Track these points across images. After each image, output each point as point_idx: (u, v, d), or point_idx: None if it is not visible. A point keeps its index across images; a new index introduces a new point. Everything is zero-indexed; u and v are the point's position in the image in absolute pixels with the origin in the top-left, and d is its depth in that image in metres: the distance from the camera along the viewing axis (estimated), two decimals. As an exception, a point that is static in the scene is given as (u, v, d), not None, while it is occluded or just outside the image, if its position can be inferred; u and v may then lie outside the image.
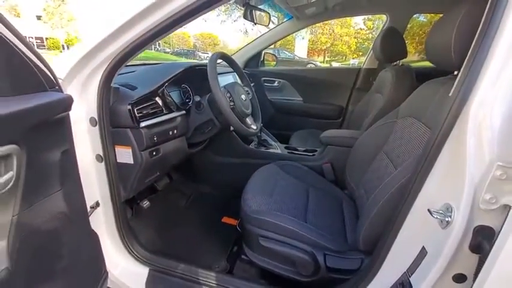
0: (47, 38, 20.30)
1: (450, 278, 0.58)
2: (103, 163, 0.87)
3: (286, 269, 0.96)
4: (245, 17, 1.42)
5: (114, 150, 0.88)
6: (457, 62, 0.64)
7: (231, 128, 1.42)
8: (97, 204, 0.90)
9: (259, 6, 1.53)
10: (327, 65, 19.37)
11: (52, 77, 0.59)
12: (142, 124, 0.94)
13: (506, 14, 0.51)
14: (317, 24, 2.01)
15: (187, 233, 1.31)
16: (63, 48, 19.91)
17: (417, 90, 0.99)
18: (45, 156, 0.55)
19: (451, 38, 0.69)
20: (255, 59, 2.28)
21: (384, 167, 0.98)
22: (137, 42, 0.74)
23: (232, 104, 1.16)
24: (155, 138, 1.00)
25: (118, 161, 0.91)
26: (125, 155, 0.93)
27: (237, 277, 0.99)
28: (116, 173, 0.89)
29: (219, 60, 1.22)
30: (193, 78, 1.27)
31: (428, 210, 0.58)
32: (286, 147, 1.66)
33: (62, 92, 0.62)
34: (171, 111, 1.09)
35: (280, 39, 2.18)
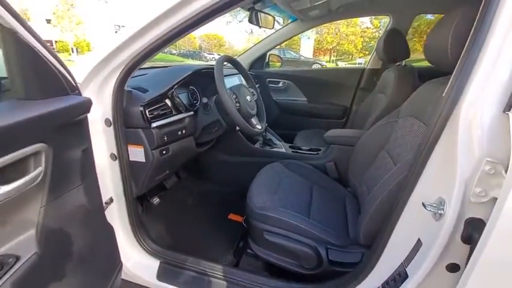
0: (56, 41, 20.72)
1: (444, 268, 0.62)
2: (117, 161, 0.92)
3: (289, 262, 1.00)
4: (250, 20, 1.47)
5: (127, 149, 0.94)
6: (454, 62, 0.66)
7: (237, 128, 1.47)
8: (111, 200, 0.95)
9: (264, 10, 1.57)
10: (333, 65, 19.27)
11: (72, 82, 0.65)
12: (154, 124, 0.99)
13: (496, 17, 0.54)
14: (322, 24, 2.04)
15: (195, 229, 1.36)
16: (72, 51, 20.32)
17: (418, 90, 1.02)
18: (68, 154, 0.61)
19: (448, 39, 0.72)
20: (260, 61, 2.32)
21: (384, 164, 1.01)
22: (149, 49, 0.79)
23: (238, 104, 1.21)
24: (165, 138, 1.05)
25: (131, 159, 0.96)
26: (137, 153, 0.98)
27: (243, 270, 1.03)
28: (128, 170, 0.95)
29: (225, 63, 1.27)
30: (201, 81, 1.32)
31: (423, 203, 0.61)
32: (290, 147, 1.69)
33: (81, 95, 0.67)
34: (180, 112, 1.14)
35: (284, 41, 2.22)
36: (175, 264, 1.02)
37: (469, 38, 0.58)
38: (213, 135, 1.34)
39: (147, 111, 0.98)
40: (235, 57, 2.31)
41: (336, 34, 23.98)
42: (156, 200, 1.40)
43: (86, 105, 0.64)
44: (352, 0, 1.70)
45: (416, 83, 1.44)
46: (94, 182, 0.74)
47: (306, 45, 22.88)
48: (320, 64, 14.93)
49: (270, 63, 2.51)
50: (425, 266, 0.61)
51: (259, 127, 1.33)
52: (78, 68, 0.82)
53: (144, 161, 1.00)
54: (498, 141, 0.52)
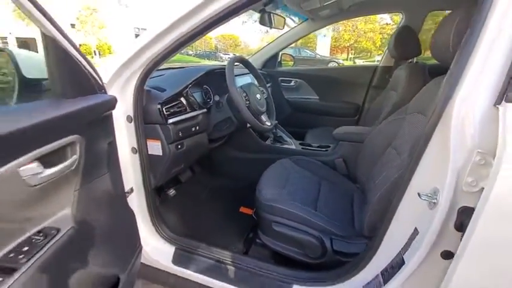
0: (80, 45, 21.77)
1: (439, 255, 0.65)
2: (137, 155, 1.01)
3: (296, 251, 1.05)
4: (261, 22, 1.52)
5: (146, 143, 1.02)
6: None
7: (248, 125, 1.53)
8: (131, 190, 1.04)
9: (275, 11, 1.61)
10: (350, 63, 18.87)
11: (100, 82, 0.73)
12: (170, 121, 1.08)
13: (489, 17, 0.56)
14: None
15: (208, 219, 1.44)
16: (95, 54, 21.24)
17: (425, 87, 1.04)
18: (97, 145, 0.70)
19: (450, 37, 0.74)
20: (273, 60, 2.36)
21: (391, 160, 1.03)
22: (165, 52, 0.86)
23: (247, 102, 1.27)
24: (180, 134, 1.13)
25: (149, 153, 1.05)
26: (155, 147, 1.07)
27: (252, 257, 1.09)
28: (147, 163, 1.03)
29: (237, 63, 1.33)
30: (214, 80, 1.39)
31: (418, 193, 0.64)
32: (300, 144, 1.74)
33: (106, 94, 0.76)
34: (194, 110, 1.22)
35: (296, 40, 2.25)
36: (189, 250, 1.10)
37: (465, 36, 0.61)
38: (224, 131, 1.41)
39: (164, 109, 1.06)
40: (248, 56, 2.38)
41: (354, 31, 23.43)
42: (172, 192, 1.49)
43: (112, 102, 0.73)
44: (364, -1, 1.71)
45: (427, 80, 1.43)
46: (118, 172, 0.83)
47: (323, 43, 22.53)
48: (337, 62, 14.68)
49: (283, 62, 2.56)
50: (420, 253, 0.65)
51: (269, 124, 1.39)
52: (103, 70, 0.92)
53: (161, 154, 1.08)
54: (488, 134, 0.55)
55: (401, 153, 0.98)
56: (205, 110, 1.29)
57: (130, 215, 0.88)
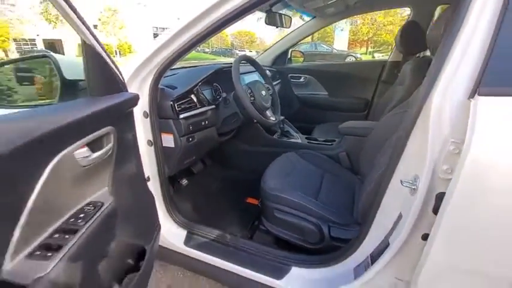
0: (102, 45, 22.69)
1: (419, 237, 0.70)
2: (152, 147, 1.12)
3: (296, 237, 1.13)
4: (267, 22, 1.59)
5: (161, 136, 1.13)
6: None
7: (254, 120, 1.62)
8: (148, 178, 1.16)
9: (281, 11, 1.67)
10: (369, 57, 18.32)
11: (123, 81, 0.84)
12: (181, 116, 1.18)
13: (466, 17, 0.61)
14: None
15: (217, 208, 1.54)
16: (115, 54, 22.08)
17: None
18: (125, 137, 0.80)
19: (441, 32, 0.79)
20: (282, 57, 2.43)
21: (389, 153, 1.08)
22: (178, 53, 0.95)
23: (252, 98, 1.36)
24: (191, 128, 1.23)
25: (163, 145, 1.16)
26: (168, 140, 1.18)
27: (256, 242, 1.18)
28: (162, 154, 1.14)
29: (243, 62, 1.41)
30: (223, 78, 1.49)
31: (401, 180, 0.70)
32: (306, 138, 1.80)
33: (129, 92, 0.87)
34: (203, 106, 1.32)
35: (305, 37, 2.29)
36: (199, 234, 1.20)
37: (444, 34, 0.66)
38: (232, 125, 1.50)
39: (176, 105, 1.17)
40: (261, 51, 2.45)
41: (372, 24, 22.69)
42: (184, 182, 1.61)
43: (135, 99, 0.83)
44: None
45: (432, 75, 1.45)
46: (140, 160, 0.95)
47: (340, 37, 22.01)
48: (354, 57, 14.32)
49: (293, 58, 2.60)
50: (402, 236, 0.71)
51: (273, 118, 1.46)
52: (123, 70, 1.03)
53: (173, 146, 1.19)
54: (461, 125, 0.59)
55: None
56: (213, 106, 1.39)
57: (151, 197, 1.00)
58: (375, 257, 0.82)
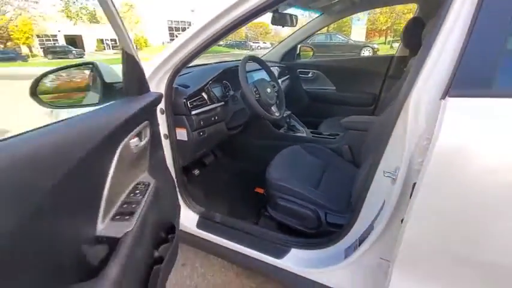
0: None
1: (399, 222, 0.79)
2: (168, 140, 1.25)
3: (296, 222, 1.24)
4: (273, 22, 1.67)
5: (175, 131, 1.27)
6: None
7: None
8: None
9: (286, 11, 1.74)
10: (387, 47, 17.69)
11: (147, 82, 0.97)
12: (193, 112, 1.30)
13: (445, 21, 0.66)
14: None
15: (226, 197, 1.68)
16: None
17: None
18: (154, 130, 0.93)
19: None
20: (291, 53, 2.49)
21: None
22: (193, 53, 1.04)
23: (258, 96, 1.46)
24: (201, 123, 1.36)
25: (177, 138, 1.29)
26: (182, 134, 1.31)
27: (261, 227, 1.31)
28: (176, 146, 1.28)
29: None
30: (232, 76, 1.59)
31: (383, 171, 0.79)
32: (311, 132, 1.89)
33: (153, 92, 0.99)
34: (213, 103, 1.43)
35: (314, 33, 2.34)
36: (210, 218, 1.34)
37: (426, 35, 0.72)
38: (240, 121, 1.62)
39: (188, 102, 1.29)
40: (276, 43, 2.50)
41: (391, 13, 21.81)
42: (197, 172, 1.76)
43: (160, 98, 0.97)
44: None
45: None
46: (163, 150, 1.09)
47: (357, 27, 21.33)
48: (371, 47, 13.92)
49: (302, 53, 2.66)
50: (384, 220, 0.80)
51: (277, 114, 1.56)
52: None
53: (186, 139, 1.32)
54: (433, 123, 0.67)
55: None
56: (223, 102, 1.50)
57: (173, 181, 1.14)
58: (362, 240, 0.91)
